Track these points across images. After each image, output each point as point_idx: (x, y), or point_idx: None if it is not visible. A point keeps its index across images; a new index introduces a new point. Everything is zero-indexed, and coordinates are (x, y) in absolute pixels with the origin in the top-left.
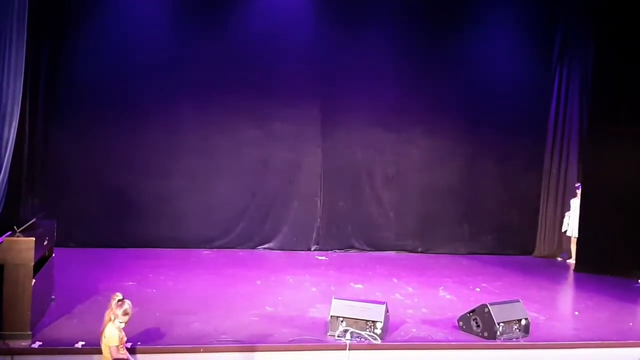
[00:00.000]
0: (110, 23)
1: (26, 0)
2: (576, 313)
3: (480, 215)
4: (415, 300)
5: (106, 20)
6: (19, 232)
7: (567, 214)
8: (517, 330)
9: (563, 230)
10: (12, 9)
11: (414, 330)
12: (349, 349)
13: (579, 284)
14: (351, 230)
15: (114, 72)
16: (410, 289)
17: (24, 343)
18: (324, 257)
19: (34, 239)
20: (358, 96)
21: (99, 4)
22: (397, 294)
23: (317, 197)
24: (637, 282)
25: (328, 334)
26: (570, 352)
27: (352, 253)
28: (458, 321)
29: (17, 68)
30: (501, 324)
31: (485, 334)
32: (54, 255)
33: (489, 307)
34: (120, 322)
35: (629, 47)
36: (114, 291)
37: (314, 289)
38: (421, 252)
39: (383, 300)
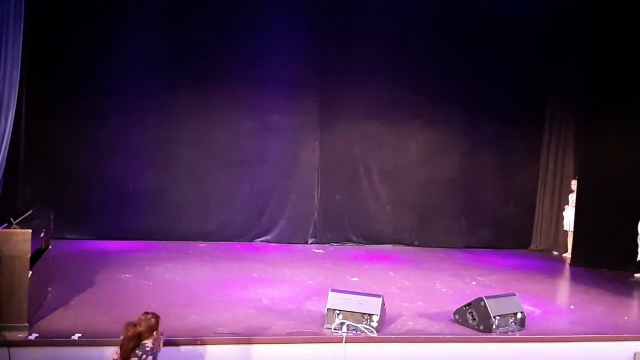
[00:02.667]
0: (107, 15)
1: None
2: (572, 307)
3: (477, 209)
4: (412, 293)
5: (104, 12)
6: (16, 223)
7: (566, 207)
8: (513, 324)
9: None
10: (9, 0)
11: (410, 323)
12: (345, 342)
13: (574, 278)
14: (348, 223)
15: (112, 64)
16: (407, 282)
17: (21, 335)
18: (320, 250)
19: (30, 230)
20: (356, 89)
21: None
22: (393, 287)
23: (314, 190)
24: (633, 277)
25: (324, 326)
26: (566, 346)
27: (349, 246)
28: (454, 314)
29: (14, 58)
30: (497, 317)
31: (481, 327)
32: (50, 247)
33: (485, 300)
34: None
35: (626, 40)
36: (111, 283)
37: (310, 282)
38: (418, 245)
39: (379, 293)
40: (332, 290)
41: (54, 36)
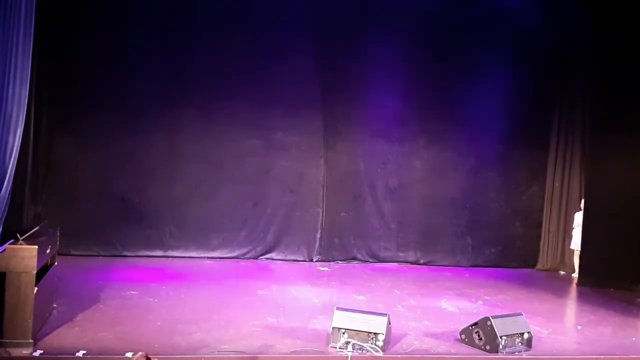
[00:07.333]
0: (115, 33)
1: (33, 8)
2: (579, 327)
3: (483, 228)
4: (418, 312)
5: (112, 30)
6: (22, 240)
7: (574, 225)
8: (520, 344)
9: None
10: (19, 17)
11: (416, 342)
12: None
13: (582, 298)
14: (353, 241)
15: (118, 81)
16: (413, 301)
17: (25, 351)
18: (326, 268)
19: (36, 247)
20: (361, 107)
21: (104, 14)
22: (399, 306)
23: (319, 207)
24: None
25: (330, 345)
26: None
27: (355, 264)
28: (460, 334)
29: (23, 75)
30: (504, 337)
31: (488, 347)
32: (56, 263)
33: (492, 320)
34: None
35: (631, 56)
36: (116, 300)
37: (315, 300)
38: (424, 264)
39: (385, 312)
40: (338, 308)
41: (62, 54)
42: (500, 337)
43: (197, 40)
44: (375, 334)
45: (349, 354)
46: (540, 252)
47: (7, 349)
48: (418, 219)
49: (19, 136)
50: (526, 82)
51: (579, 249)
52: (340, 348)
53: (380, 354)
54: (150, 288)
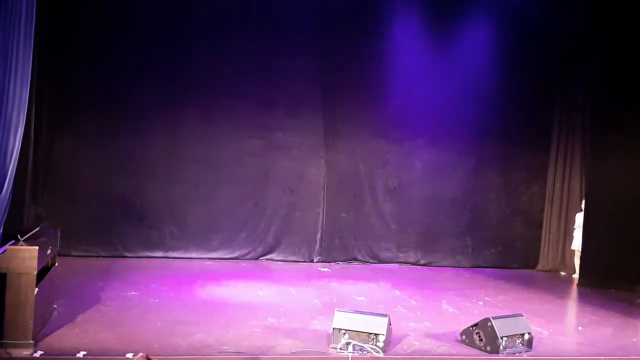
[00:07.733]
0: (115, 33)
1: (34, 8)
2: (580, 328)
3: (483, 228)
4: (418, 313)
5: (112, 31)
6: (23, 240)
7: (575, 226)
8: (521, 345)
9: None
10: (20, 18)
11: (417, 343)
12: None
13: (582, 299)
14: (354, 242)
15: (118, 81)
16: (413, 302)
17: (26, 352)
18: (326, 269)
19: (37, 247)
20: (361, 107)
21: (104, 14)
22: (399, 307)
23: (319, 208)
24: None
25: (330, 346)
26: None
27: (355, 265)
28: (461, 335)
29: (24, 76)
30: (504, 338)
31: (488, 348)
32: (57, 264)
33: (492, 320)
34: None
35: (631, 56)
36: (116, 301)
37: (316, 301)
38: (424, 264)
39: (386, 313)
40: (338, 309)
41: (62, 55)
42: (501, 338)
43: (197, 40)
44: (375, 334)
45: (350, 354)
46: (541, 253)
47: (8, 350)
48: (418, 219)
49: (20, 137)
50: (526, 82)
51: (580, 249)
52: (340, 349)
53: (381, 354)
54: (151, 289)
